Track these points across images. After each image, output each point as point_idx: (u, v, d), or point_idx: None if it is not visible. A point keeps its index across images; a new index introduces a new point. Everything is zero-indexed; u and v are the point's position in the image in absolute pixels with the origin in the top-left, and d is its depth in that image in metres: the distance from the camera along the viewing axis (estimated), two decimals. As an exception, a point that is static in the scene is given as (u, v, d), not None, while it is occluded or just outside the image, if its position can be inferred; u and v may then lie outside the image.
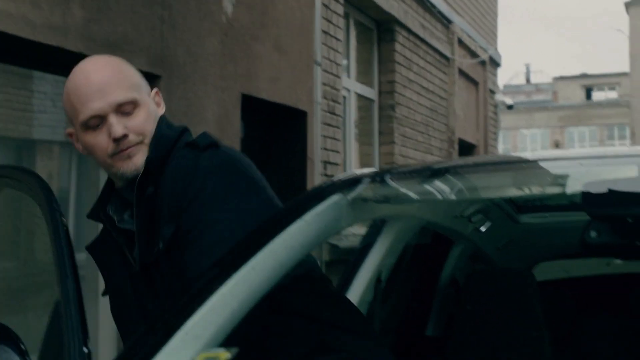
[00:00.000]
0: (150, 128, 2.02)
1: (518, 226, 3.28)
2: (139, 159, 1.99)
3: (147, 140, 2.01)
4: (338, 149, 7.92)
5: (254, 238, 1.91)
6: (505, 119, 37.41)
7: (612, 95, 47.45)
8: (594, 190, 1.84)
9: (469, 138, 12.62)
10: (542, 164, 2.26)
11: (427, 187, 2.31)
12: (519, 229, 3.30)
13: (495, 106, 14.27)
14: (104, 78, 1.99)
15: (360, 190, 2.17)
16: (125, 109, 1.99)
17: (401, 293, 3.09)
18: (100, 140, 1.99)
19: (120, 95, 1.98)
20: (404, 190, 2.35)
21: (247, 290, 1.75)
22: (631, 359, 3.20)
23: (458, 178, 2.29)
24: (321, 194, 2.05)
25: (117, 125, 1.97)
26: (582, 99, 48.12)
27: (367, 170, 2.33)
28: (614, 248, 2.15)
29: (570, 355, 3.25)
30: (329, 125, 7.68)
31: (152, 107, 2.07)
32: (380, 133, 9.44)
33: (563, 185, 2.05)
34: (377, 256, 2.68)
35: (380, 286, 2.74)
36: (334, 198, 2.03)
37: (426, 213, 2.79)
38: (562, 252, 3.56)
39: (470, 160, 3.35)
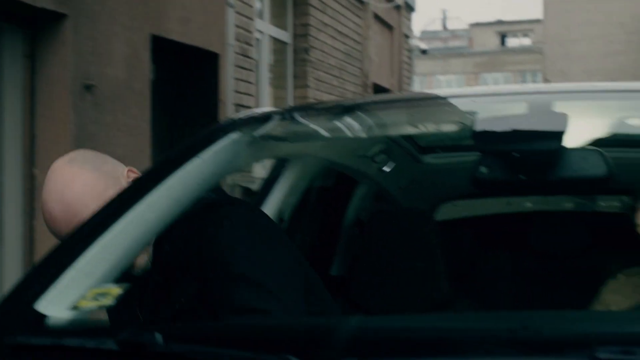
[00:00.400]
0: None
1: (421, 166, 3.33)
2: (140, 262, 1.89)
3: None
4: (251, 92, 7.87)
5: (150, 175, 1.90)
6: (422, 64, 37.60)
7: (526, 41, 48.14)
8: (485, 127, 1.88)
9: (384, 82, 12.69)
10: (439, 101, 2.29)
11: (331, 125, 2.32)
12: (422, 169, 3.36)
13: (410, 51, 14.35)
14: (66, 214, 1.88)
15: (261, 128, 2.17)
16: None
17: (305, 233, 3.12)
18: None
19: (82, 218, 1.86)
20: (306, 129, 2.35)
21: (141, 227, 1.74)
22: (528, 296, 3.31)
23: (363, 115, 2.31)
24: (220, 131, 2.05)
25: None
26: (497, 45, 48.72)
27: (267, 109, 2.33)
28: (503, 183, 2.21)
29: (470, 292, 3.34)
30: (242, 68, 7.62)
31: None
32: (294, 77, 9.41)
33: (459, 123, 2.09)
34: (279, 195, 2.68)
35: (282, 226, 2.76)
36: (233, 136, 2.03)
37: (329, 152, 2.81)
38: (465, 191, 3.64)
39: (369, 98, 3.38)
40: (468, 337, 1.34)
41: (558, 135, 1.95)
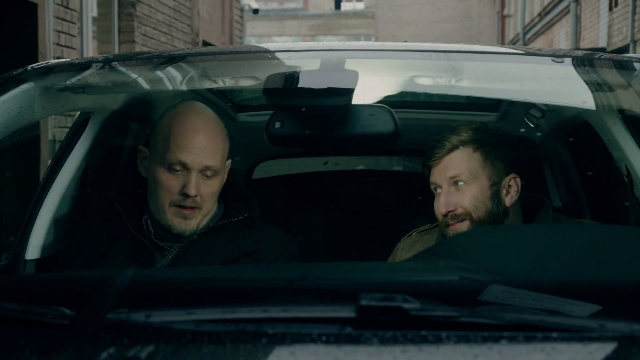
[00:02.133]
0: (212, 200, 2.14)
1: (236, 124, 3.33)
2: (192, 224, 2.12)
3: (204, 210, 2.12)
4: (74, 46, 7.61)
5: None
6: (258, 25, 37.59)
7: (359, 6, 48.90)
8: (277, 84, 1.90)
9: (214, 41, 12.58)
10: (241, 56, 2.28)
11: (150, 77, 2.26)
12: (237, 127, 3.36)
13: (242, 10, 14.28)
14: (209, 138, 2.09)
15: (57, 79, 2.10)
16: (208, 172, 2.09)
17: (119, 188, 3.05)
18: (172, 185, 2.09)
19: (213, 162, 2.09)
20: (118, 80, 2.29)
21: None
22: (339, 250, 3.39)
23: (182, 68, 2.27)
24: (10, 82, 1.97)
25: (195, 186, 2.08)
26: (332, 8, 49.22)
27: (67, 60, 2.25)
28: (295, 138, 2.25)
29: None
30: (63, 19, 7.35)
31: (223, 180, 2.16)
32: (120, 31, 9.18)
33: (256, 79, 2.10)
34: (83, 149, 2.60)
35: (88, 180, 2.69)
36: (24, 87, 1.96)
37: (140, 107, 2.75)
38: (282, 150, 3.68)
39: (193, 50, 3.33)
40: (247, 287, 1.36)
41: (347, 91, 1.99)
